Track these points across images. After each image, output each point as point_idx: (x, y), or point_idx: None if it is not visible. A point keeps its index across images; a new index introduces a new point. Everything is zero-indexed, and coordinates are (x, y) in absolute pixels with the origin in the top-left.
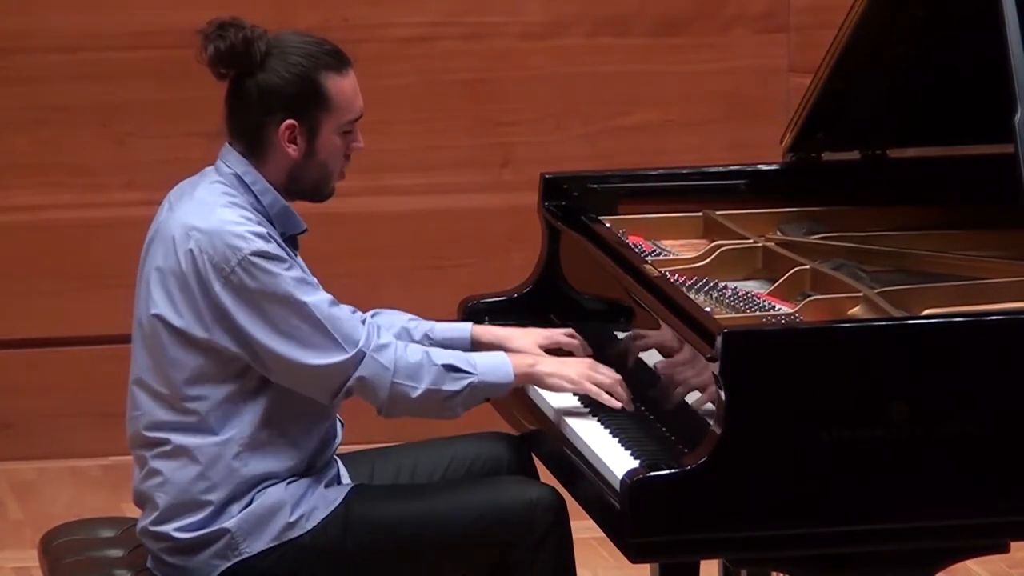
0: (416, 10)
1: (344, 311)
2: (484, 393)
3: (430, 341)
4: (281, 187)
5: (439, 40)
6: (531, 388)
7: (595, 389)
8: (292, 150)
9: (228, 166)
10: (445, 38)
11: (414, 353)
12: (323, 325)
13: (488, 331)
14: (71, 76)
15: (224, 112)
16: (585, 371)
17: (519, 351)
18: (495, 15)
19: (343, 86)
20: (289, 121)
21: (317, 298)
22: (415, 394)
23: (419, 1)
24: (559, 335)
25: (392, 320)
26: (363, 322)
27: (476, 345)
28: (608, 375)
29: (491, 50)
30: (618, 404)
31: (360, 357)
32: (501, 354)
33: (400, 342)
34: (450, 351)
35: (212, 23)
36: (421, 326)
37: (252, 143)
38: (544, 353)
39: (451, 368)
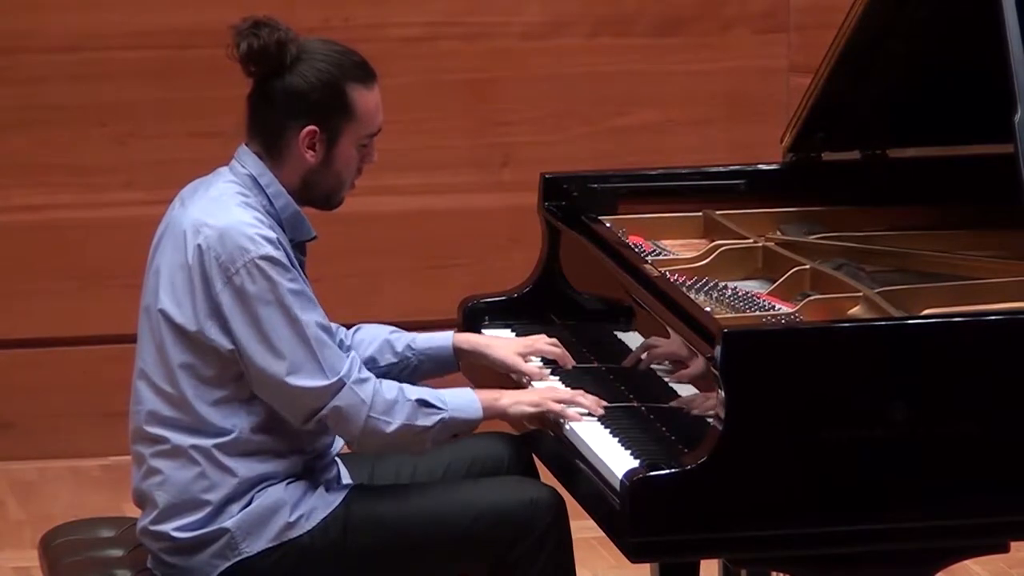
0: (416, 10)
1: (331, 340)
2: (454, 428)
3: (412, 351)
4: (294, 192)
5: (439, 40)
6: (529, 386)
7: (558, 408)
8: (310, 156)
9: (243, 167)
10: (445, 38)
11: (390, 389)
12: (310, 345)
13: (468, 339)
14: (71, 76)
15: (246, 110)
16: (545, 394)
17: (498, 360)
18: (495, 15)
19: (368, 98)
20: (311, 127)
21: (311, 317)
22: (389, 429)
23: (419, 1)
24: (541, 343)
25: (375, 334)
26: (347, 351)
27: (457, 353)
28: (567, 391)
29: (491, 50)
30: (580, 418)
31: (339, 386)
32: (469, 391)
33: (377, 379)
34: (422, 388)
35: (247, 20)
36: (403, 337)
37: (270, 145)
38: (521, 363)
39: (424, 403)
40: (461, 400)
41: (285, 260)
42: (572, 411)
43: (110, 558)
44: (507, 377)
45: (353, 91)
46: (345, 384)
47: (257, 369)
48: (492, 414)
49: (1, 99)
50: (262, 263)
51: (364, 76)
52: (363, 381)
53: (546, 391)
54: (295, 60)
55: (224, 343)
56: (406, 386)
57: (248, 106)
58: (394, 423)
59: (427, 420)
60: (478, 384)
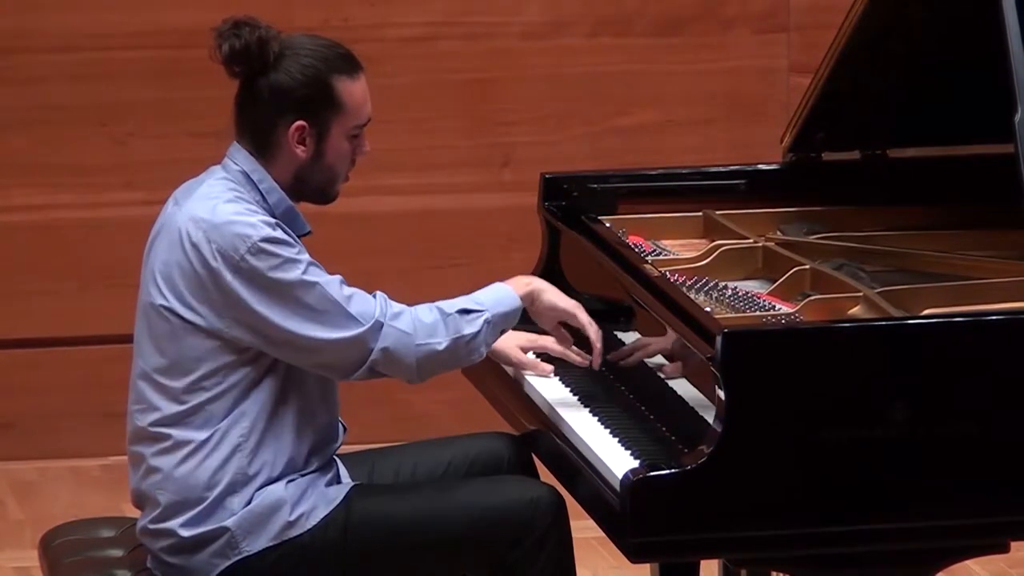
0: (416, 10)
1: (355, 289)
2: (499, 324)
3: None
4: (287, 188)
5: (439, 40)
6: (528, 385)
7: (586, 319)
8: (300, 151)
9: (236, 164)
10: (445, 38)
11: (427, 312)
12: (337, 302)
13: None
14: (71, 76)
15: (234, 111)
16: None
17: (501, 353)
18: (495, 15)
19: (354, 90)
20: (299, 122)
21: (328, 278)
22: (441, 347)
23: (419, 1)
24: (546, 341)
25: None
26: (374, 296)
27: None
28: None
29: (491, 50)
30: (586, 359)
31: (378, 327)
32: (498, 284)
33: (410, 308)
34: (456, 299)
35: (227, 21)
36: None
37: (260, 142)
38: (522, 356)
39: (464, 312)
40: (496, 295)
41: (286, 237)
42: (591, 332)
43: (110, 558)
44: (505, 376)
45: (339, 83)
46: (383, 324)
47: (293, 339)
48: (529, 300)
49: (1, 99)
50: (265, 244)
51: (349, 67)
52: (398, 314)
53: (575, 307)
54: (278, 57)
55: (244, 335)
56: (441, 303)
57: (236, 106)
58: (444, 341)
59: (472, 327)
60: (474, 381)
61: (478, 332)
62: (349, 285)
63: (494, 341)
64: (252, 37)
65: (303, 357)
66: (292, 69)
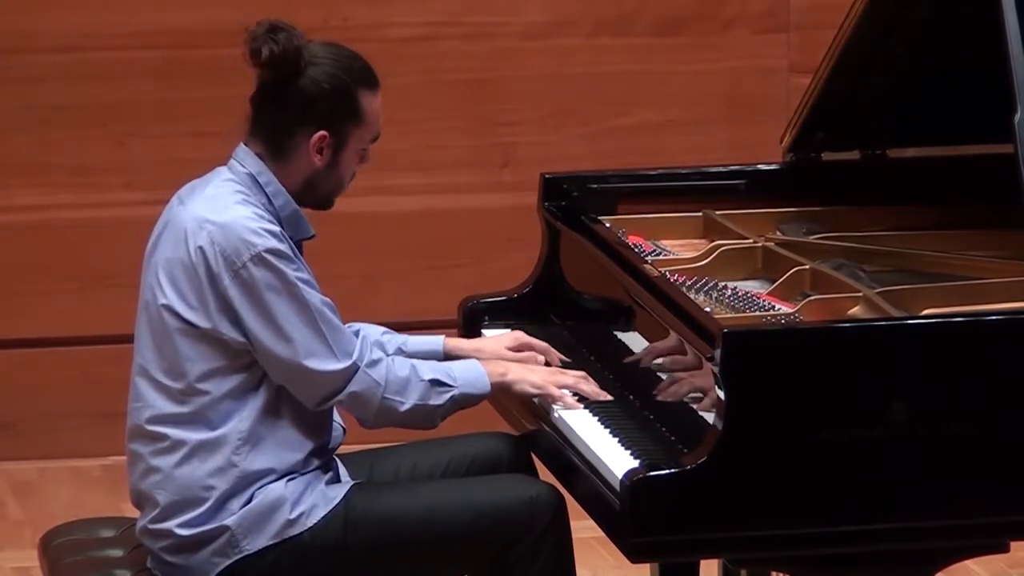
0: (416, 10)
1: (340, 323)
2: (463, 404)
3: (403, 355)
4: (294, 193)
5: (439, 40)
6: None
7: (557, 393)
8: (318, 160)
9: (242, 166)
10: (445, 38)
11: (402, 367)
12: (322, 332)
13: (459, 345)
14: (71, 76)
15: (250, 111)
16: (548, 376)
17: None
18: (495, 15)
19: (375, 104)
20: (322, 132)
21: (319, 306)
22: (403, 408)
23: (419, 1)
24: (526, 337)
25: (366, 333)
26: (356, 334)
27: (448, 357)
28: (571, 375)
29: (491, 50)
30: (577, 405)
31: (354, 371)
32: (477, 364)
33: (388, 357)
34: (431, 363)
35: (262, 24)
36: (395, 339)
37: (276, 147)
38: (513, 355)
39: (436, 383)
40: (470, 375)
41: (289, 252)
42: (570, 399)
43: (110, 558)
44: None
45: (362, 96)
46: (359, 368)
47: (272, 356)
48: (498, 388)
49: (1, 99)
50: (268, 256)
51: (372, 81)
52: (375, 363)
53: (547, 374)
54: (307, 64)
55: (237, 336)
56: (417, 363)
57: (253, 107)
58: (407, 403)
59: (439, 399)
60: None
61: (440, 406)
62: (337, 313)
63: (451, 414)
64: (290, 44)
65: (278, 375)
66: (320, 79)
